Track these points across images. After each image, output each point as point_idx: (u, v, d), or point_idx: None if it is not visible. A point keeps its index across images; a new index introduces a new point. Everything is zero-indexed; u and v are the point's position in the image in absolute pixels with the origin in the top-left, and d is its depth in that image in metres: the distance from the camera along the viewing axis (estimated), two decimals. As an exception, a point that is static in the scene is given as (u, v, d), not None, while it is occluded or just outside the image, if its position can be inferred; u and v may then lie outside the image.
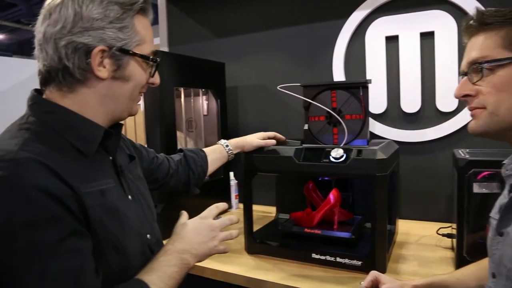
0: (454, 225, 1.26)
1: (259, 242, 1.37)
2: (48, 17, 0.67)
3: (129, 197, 0.77)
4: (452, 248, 1.36)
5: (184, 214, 0.88)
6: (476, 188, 1.14)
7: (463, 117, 1.60)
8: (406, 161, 1.71)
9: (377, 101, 1.76)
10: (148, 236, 0.79)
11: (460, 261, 1.14)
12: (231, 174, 1.99)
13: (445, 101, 1.65)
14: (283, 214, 1.64)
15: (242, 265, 1.28)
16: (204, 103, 1.97)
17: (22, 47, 10.04)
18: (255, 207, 1.45)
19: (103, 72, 0.69)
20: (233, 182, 1.97)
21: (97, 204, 0.66)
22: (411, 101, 1.71)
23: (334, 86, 1.46)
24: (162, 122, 1.55)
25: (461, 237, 1.16)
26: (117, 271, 0.68)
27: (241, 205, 2.03)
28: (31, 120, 0.67)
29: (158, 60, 0.75)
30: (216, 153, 1.35)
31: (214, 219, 0.88)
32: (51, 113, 0.68)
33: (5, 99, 4.06)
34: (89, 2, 0.66)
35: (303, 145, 1.45)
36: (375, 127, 1.77)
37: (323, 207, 1.38)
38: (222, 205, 0.91)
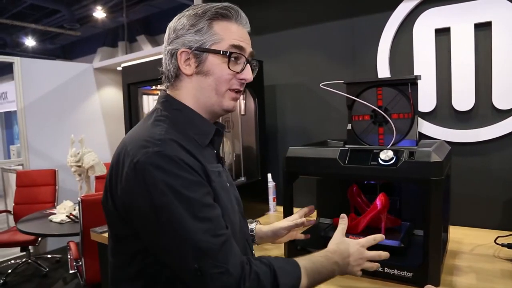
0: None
1: (299, 249, 1.31)
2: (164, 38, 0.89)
3: (228, 184, 0.92)
4: (514, 260, 1.24)
5: (344, 221, 1.02)
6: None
7: (524, 116, 1.46)
8: (458, 163, 1.59)
9: (426, 99, 1.65)
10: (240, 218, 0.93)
11: (527, 276, 1.03)
12: (269, 175, 1.93)
13: (503, 97, 1.51)
14: (324, 219, 1.57)
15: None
16: (241, 102, 1.93)
17: (64, 51, 10.49)
18: (294, 211, 1.39)
19: (188, 69, 0.84)
20: (270, 184, 1.92)
21: (217, 181, 0.82)
22: (463, 98, 1.58)
23: (380, 83, 1.37)
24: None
25: (528, 249, 1.04)
26: None
27: (279, 208, 1.98)
28: (164, 114, 0.84)
29: (229, 53, 0.83)
30: None
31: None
32: (178, 110, 0.85)
33: (50, 98, 4.25)
34: (177, 20, 0.86)
35: (346, 146, 1.37)
36: (423, 126, 1.66)
37: (369, 212, 1.30)
38: (380, 237, 0.99)
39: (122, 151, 0.78)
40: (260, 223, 1.22)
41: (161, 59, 0.91)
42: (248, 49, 0.87)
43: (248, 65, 0.88)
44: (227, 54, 0.84)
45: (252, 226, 1.16)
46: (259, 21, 2.11)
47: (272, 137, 2.10)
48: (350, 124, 1.42)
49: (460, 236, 1.49)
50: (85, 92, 4.60)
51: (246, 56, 0.87)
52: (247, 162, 1.92)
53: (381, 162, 1.12)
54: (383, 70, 1.73)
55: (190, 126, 0.85)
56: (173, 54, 0.85)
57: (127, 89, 1.85)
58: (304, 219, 1.16)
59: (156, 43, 7.31)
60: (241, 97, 1.92)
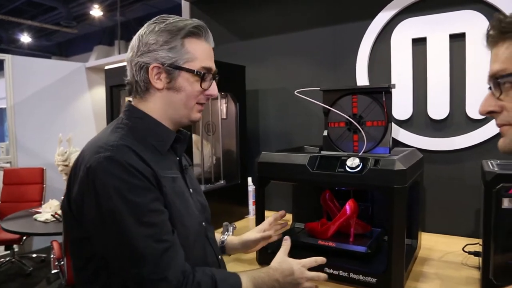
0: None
1: (270, 253, 1.33)
2: (130, 46, 0.91)
3: (190, 190, 0.96)
4: (479, 268, 1.27)
5: (287, 242, 1.04)
6: (506, 204, 1.04)
7: (495, 126, 1.49)
8: (432, 171, 1.62)
9: (402, 107, 1.67)
10: (203, 223, 0.96)
11: (486, 285, 1.05)
12: (249, 179, 1.95)
13: (476, 107, 1.53)
14: (299, 224, 1.59)
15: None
16: (223, 106, 1.95)
17: (60, 49, 10.48)
18: (271, 215, 1.41)
19: (159, 84, 0.87)
20: (250, 187, 1.94)
21: (170, 186, 0.84)
22: (438, 107, 1.61)
23: (355, 91, 1.40)
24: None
25: (487, 257, 1.07)
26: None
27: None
28: (125, 122, 0.88)
29: (203, 73, 0.89)
30: None
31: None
32: (140, 119, 0.89)
33: (40, 96, 4.26)
34: (149, 32, 0.87)
35: (321, 152, 1.40)
36: (400, 134, 1.69)
37: (338, 218, 1.32)
38: (321, 260, 1.01)
39: (80, 156, 0.82)
40: (235, 227, 1.24)
41: None
42: (214, 67, 0.93)
43: (213, 82, 0.93)
44: (200, 75, 0.89)
45: (223, 237, 1.17)
46: (242, 27, 2.14)
47: (253, 141, 2.12)
48: (326, 131, 1.45)
49: (431, 243, 1.52)
50: (76, 91, 4.60)
51: (212, 74, 0.92)
52: (228, 165, 1.94)
53: (347, 169, 1.14)
54: (362, 78, 1.76)
55: (150, 134, 0.88)
56: (142, 67, 0.87)
57: (110, 91, 1.87)
58: (269, 232, 1.17)
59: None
60: (223, 101, 1.95)
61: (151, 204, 0.78)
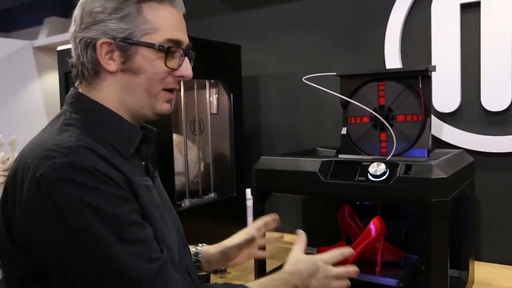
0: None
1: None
2: (72, 18, 0.90)
3: (161, 201, 0.97)
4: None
5: (302, 237, 1.09)
6: None
7: None
8: (488, 180, 1.64)
9: (447, 96, 1.71)
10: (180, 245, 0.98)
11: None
12: (248, 191, 1.99)
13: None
14: (311, 248, 1.61)
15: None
16: (213, 98, 1.99)
17: None
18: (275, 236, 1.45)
19: (111, 66, 0.87)
20: (249, 202, 1.97)
21: (146, 197, 0.86)
22: (496, 95, 1.63)
23: (382, 76, 1.44)
24: (151, 122, 1.58)
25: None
26: None
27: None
28: (74, 117, 0.87)
29: (167, 47, 0.89)
30: None
31: None
32: (92, 112, 0.89)
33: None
34: None
35: (338, 156, 1.44)
36: (443, 131, 1.72)
37: (361, 241, 1.36)
38: (348, 252, 1.06)
39: (20, 166, 0.80)
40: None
41: None
42: (186, 39, 0.93)
43: (186, 59, 0.93)
44: (165, 49, 0.88)
45: (197, 249, 1.20)
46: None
47: (252, 142, 2.16)
48: (345, 128, 1.49)
49: (489, 276, 1.54)
50: (21, 79, 4.65)
51: (184, 48, 0.92)
52: (219, 174, 1.99)
53: (370, 177, 1.18)
54: (393, 59, 1.80)
55: (108, 131, 0.88)
56: (88, 44, 0.87)
57: (64, 78, 1.92)
58: (253, 233, 1.21)
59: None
60: (213, 91, 2.00)
61: (131, 215, 0.79)
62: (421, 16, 1.76)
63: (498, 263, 1.65)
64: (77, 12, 0.89)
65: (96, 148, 0.81)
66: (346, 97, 1.45)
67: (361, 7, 1.88)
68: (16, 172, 0.80)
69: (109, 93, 0.90)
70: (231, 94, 1.93)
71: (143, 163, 0.97)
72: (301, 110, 2.06)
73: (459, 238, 1.40)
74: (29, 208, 0.77)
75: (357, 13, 1.90)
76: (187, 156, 1.85)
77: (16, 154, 3.18)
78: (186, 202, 1.80)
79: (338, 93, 1.46)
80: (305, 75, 1.53)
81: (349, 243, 1.44)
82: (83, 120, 0.87)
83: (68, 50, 1.91)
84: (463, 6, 1.68)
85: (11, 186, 0.81)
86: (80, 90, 0.92)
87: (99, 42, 0.86)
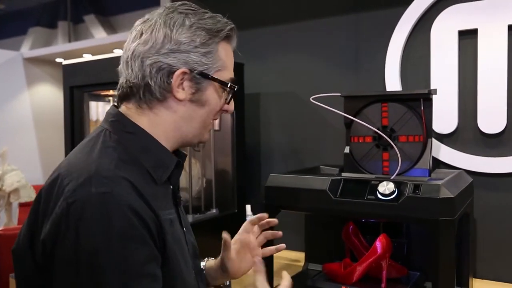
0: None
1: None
2: (139, 36, 0.91)
3: (184, 229, 0.99)
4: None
5: (260, 267, 1.07)
6: None
7: None
8: (484, 199, 1.69)
9: (445, 117, 1.76)
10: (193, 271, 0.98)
11: None
12: (248, 208, 2.02)
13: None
14: (313, 265, 1.66)
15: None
16: (215, 114, 2.02)
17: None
18: (278, 253, 1.47)
19: (181, 94, 0.90)
20: (249, 218, 2.00)
21: (169, 232, 0.86)
22: (492, 118, 1.69)
23: (386, 98, 1.49)
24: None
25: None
26: None
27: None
28: (114, 138, 0.88)
29: (236, 87, 0.96)
30: None
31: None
32: (132, 134, 0.90)
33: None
34: (179, 26, 0.89)
35: (342, 174, 1.48)
36: (441, 151, 1.77)
37: (366, 258, 1.39)
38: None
39: (56, 184, 0.81)
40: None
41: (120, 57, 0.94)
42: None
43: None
44: (232, 88, 0.95)
45: (203, 263, 1.17)
46: (241, 13, 2.22)
47: (253, 159, 2.19)
48: (348, 147, 1.53)
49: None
50: (9, 91, 4.62)
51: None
52: (221, 190, 2.01)
53: (379, 196, 1.23)
54: (393, 81, 1.86)
55: (145, 156, 0.89)
56: (163, 69, 0.88)
57: (70, 93, 1.94)
58: (246, 228, 1.20)
59: (111, 27, 7.32)
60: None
61: (145, 266, 0.78)
62: (421, 42, 1.82)
63: (494, 280, 1.69)
64: (157, 35, 0.89)
65: (132, 178, 0.82)
66: (351, 116, 1.49)
67: (362, 29, 1.94)
68: (51, 190, 0.81)
69: (166, 119, 0.92)
70: (234, 112, 1.96)
71: (171, 186, 0.98)
72: (302, 128, 2.09)
73: (459, 256, 1.44)
74: (54, 229, 0.77)
75: (358, 36, 1.95)
76: (190, 172, 1.87)
77: (6, 167, 3.16)
78: (190, 218, 1.82)
79: (342, 113, 1.50)
80: (307, 94, 1.56)
81: (353, 259, 1.47)
82: (123, 142, 0.88)
83: (74, 65, 1.95)
84: (461, 33, 1.74)
85: (43, 201, 0.82)
86: (121, 110, 0.93)
87: (179, 71, 0.88)
